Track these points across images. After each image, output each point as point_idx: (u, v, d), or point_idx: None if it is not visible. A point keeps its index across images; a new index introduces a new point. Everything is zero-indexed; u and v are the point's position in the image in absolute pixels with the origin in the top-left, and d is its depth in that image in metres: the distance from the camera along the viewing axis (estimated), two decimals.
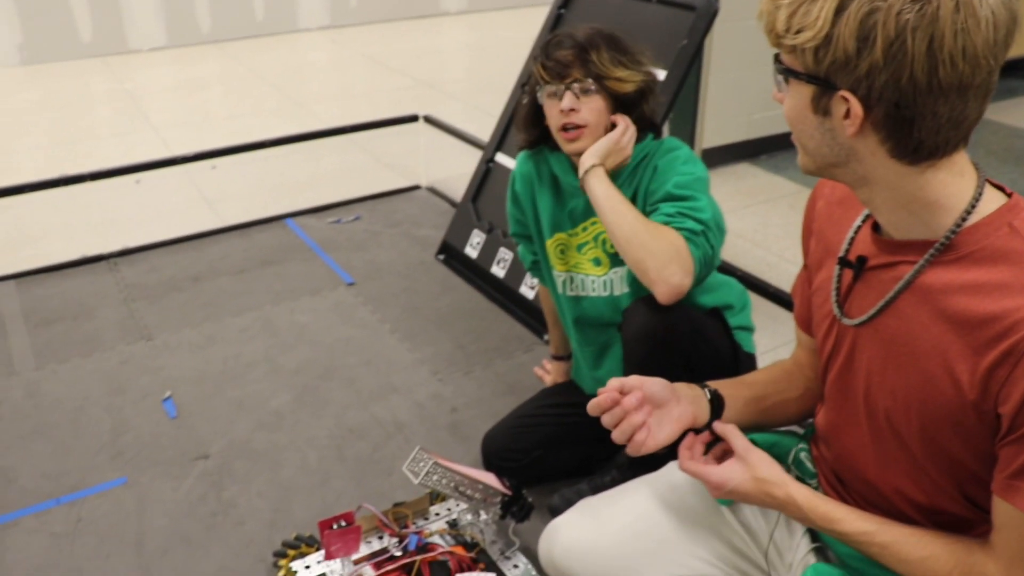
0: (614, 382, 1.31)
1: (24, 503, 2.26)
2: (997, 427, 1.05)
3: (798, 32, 1.02)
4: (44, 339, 3.05)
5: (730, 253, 3.48)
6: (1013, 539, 1.06)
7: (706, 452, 1.37)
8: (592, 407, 1.31)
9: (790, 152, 4.48)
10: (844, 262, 1.23)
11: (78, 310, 3.24)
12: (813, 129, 1.08)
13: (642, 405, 1.30)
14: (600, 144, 1.91)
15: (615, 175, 1.95)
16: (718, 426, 1.35)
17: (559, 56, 1.89)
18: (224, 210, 4.19)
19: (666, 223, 1.79)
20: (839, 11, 0.97)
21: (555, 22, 3.33)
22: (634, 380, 1.32)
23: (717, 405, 1.40)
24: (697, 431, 1.38)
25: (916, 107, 0.99)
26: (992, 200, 1.07)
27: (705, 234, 1.78)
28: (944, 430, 1.09)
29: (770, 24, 1.06)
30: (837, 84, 1.02)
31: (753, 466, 1.27)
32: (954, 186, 1.06)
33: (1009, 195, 1.09)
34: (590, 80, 1.87)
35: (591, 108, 1.90)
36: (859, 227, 1.23)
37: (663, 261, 1.73)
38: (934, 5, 0.94)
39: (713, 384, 1.43)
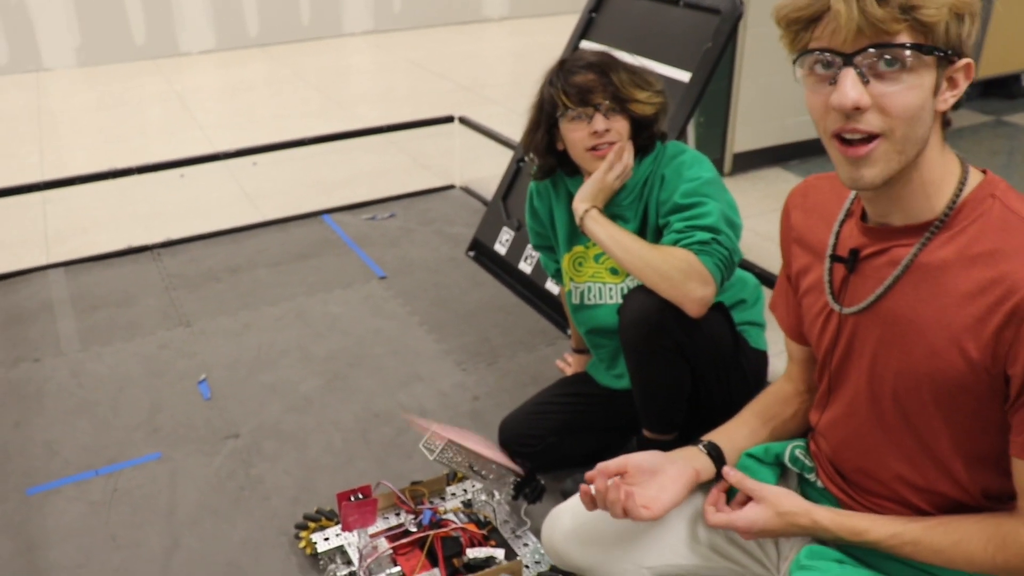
0: (594, 473, 1.39)
1: (65, 473, 2.39)
2: (1007, 392, 1.09)
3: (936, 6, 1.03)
4: (90, 323, 3.19)
5: (757, 255, 3.51)
6: None
7: (728, 500, 1.41)
8: (587, 505, 1.41)
9: (822, 157, 4.50)
10: (836, 258, 1.28)
11: (122, 297, 3.38)
12: (927, 115, 1.08)
13: (618, 485, 1.34)
14: (586, 187, 2.00)
15: (621, 197, 2.02)
16: (728, 475, 1.38)
17: (579, 81, 1.95)
18: (264, 205, 4.32)
19: (676, 241, 1.86)
20: None
21: (586, 25, 3.40)
22: (618, 460, 1.40)
23: (717, 455, 1.46)
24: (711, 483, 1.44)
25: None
26: (974, 176, 1.15)
27: (716, 239, 1.84)
28: (956, 402, 1.14)
29: None
30: (965, 53, 1.07)
31: (772, 503, 1.30)
32: (952, 162, 1.15)
33: (983, 172, 1.16)
34: (613, 102, 1.95)
35: (619, 127, 1.97)
36: (840, 227, 1.29)
37: (679, 281, 1.80)
38: None
39: (708, 436, 1.49)
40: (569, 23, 3.59)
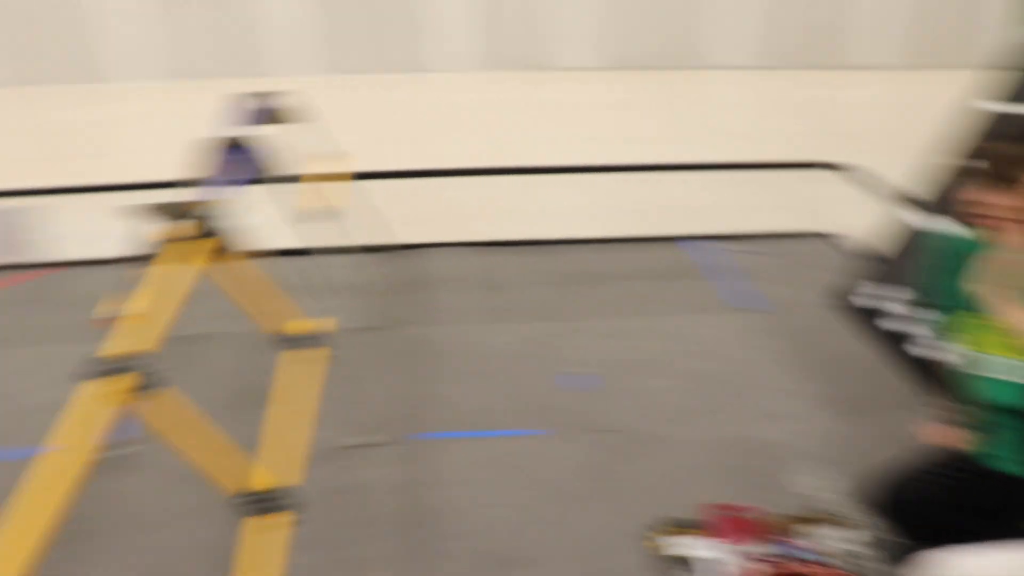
0: None
1: (460, 427, 2.74)
2: None
3: None
4: (486, 301, 3.62)
5: None
6: None
7: None
8: None
9: None
10: None
11: (514, 283, 3.79)
12: None
13: None
14: (994, 272, 1.91)
15: None
16: None
17: (1009, 152, 1.88)
18: (638, 222, 4.58)
19: None
20: None
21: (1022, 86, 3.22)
22: None
23: None
24: None
25: None
26: None
27: None
28: None
29: None
30: None
31: None
32: None
33: None
34: None
35: None
36: None
37: None
38: None
39: None
40: (966, 78, 3.42)
